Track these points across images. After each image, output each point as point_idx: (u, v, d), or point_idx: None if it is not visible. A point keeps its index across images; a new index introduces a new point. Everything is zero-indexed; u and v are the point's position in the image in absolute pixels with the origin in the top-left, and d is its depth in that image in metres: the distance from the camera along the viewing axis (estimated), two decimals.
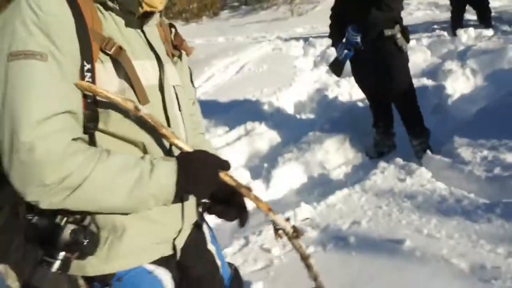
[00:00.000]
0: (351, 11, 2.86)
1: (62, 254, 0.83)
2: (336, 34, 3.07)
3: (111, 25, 0.90)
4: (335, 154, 3.39)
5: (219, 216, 1.13)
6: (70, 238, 0.83)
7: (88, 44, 0.83)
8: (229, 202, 1.10)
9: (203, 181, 0.89)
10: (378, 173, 2.68)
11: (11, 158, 0.77)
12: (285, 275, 1.95)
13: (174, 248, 1.02)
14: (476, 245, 1.80)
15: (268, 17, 12.66)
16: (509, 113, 3.02)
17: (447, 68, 4.21)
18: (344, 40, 2.95)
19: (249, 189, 1.01)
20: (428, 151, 2.84)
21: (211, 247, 1.19)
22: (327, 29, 3.28)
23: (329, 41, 3.21)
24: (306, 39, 7.42)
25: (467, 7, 5.66)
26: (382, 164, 2.80)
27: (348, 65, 3.15)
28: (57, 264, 0.82)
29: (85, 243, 0.85)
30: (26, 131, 0.75)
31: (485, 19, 5.57)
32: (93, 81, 0.84)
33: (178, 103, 1.04)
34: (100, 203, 0.83)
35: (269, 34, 9.19)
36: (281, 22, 11.23)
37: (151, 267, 0.98)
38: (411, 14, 7.81)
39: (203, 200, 1.13)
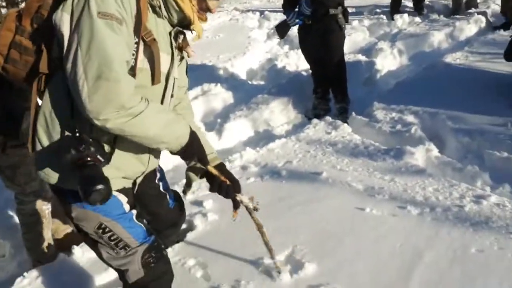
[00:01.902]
0: None
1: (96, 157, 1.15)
2: (289, 4, 3.57)
3: (152, 22, 1.22)
4: (279, 114, 3.95)
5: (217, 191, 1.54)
6: (98, 146, 1.18)
7: (139, 26, 1.15)
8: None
9: (195, 152, 1.33)
10: (311, 127, 3.27)
11: (98, 84, 1.04)
12: None
13: (134, 183, 1.41)
14: (371, 175, 2.45)
15: None
16: (420, 84, 3.73)
17: (379, 47, 4.86)
18: (296, 10, 3.46)
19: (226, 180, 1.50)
20: (353, 113, 3.48)
21: (158, 183, 1.67)
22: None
23: (283, 16, 3.68)
24: (262, 12, 7.81)
25: None
26: (315, 121, 3.39)
27: (296, 38, 3.68)
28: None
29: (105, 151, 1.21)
30: (117, 67, 1.05)
31: (419, 7, 6.30)
32: (136, 51, 1.14)
33: (173, 91, 1.37)
34: (144, 129, 1.15)
35: (227, 5, 9.42)
36: None
37: (115, 192, 1.29)
38: None
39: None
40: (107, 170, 1.19)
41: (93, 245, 1.35)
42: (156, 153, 1.45)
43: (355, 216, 2.07)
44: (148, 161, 1.40)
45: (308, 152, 2.90)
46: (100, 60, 1.05)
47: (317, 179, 2.49)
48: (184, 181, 1.70)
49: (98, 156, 1.16)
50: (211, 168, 1.48)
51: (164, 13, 1.25)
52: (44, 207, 2.14)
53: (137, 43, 1.14)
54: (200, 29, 1.33)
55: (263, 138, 3.63)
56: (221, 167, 1.56)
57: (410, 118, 3.15)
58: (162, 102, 1.32)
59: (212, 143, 3.43)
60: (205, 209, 2.31)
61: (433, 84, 3.64)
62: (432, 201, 2.12)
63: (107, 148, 1.23)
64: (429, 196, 2.17)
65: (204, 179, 1.57)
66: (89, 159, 1.13)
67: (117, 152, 1.25)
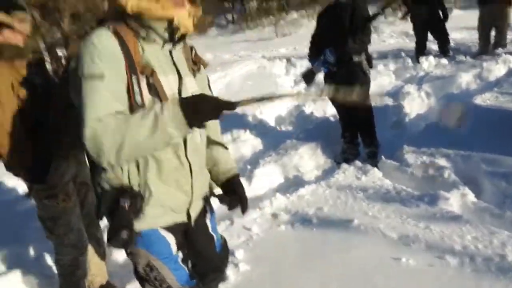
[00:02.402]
0: (329, 38, 3.49)
1: (129, 210, 1.24)
2: (314, 53, 3.70)
3: (148, 52, 1.25)
4: (308, 160, 3.97)
5: (226, 205, 1.52)
6: (134, 198, 1.25)
7: (133, 65, 1.19)
8: (233, 194, 1.54)
9: (203, 108, 1.13)
10: (340, 172, 3.27)
11: (84, 142, 1.14)
12: (261, 246, 2.50)
13: (188, 217, 1.40)
14: (405, 222, 2.40)
15: (254, 36, 13.38)
16: (449, 129, 3.68)
17: (406, 90, 4.89)
18: (321, 58, 3.58)
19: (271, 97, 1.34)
20: (383, 157, 3.46)
21: (208, 223, 1.61)
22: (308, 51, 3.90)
23: (309, 63, 3.80)
24: (288, 59, 8.07)
25: (431, 37, 6.42)
26: (345, 166, 3.39)
27: (322, 84, 3.79)
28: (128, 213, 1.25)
29: (141, 202, 1.27)
30: (88, 125, 1.13)
31: (445, 49, 6.35)
32: (139, 87, 1.19)
33: None
34: (137, 142, 1.12)
35: (255, 53, 9.80)
36: (266, 42, 11.93)
37: (164, 232, 1.34)
38: (384, 41, 8.60)
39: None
40: (151, 209, 1.28)
41: (141, 281, 1.42)
42: (199, 181, 1.42)
43: (391, 267, 2.01)
44: (191, 190, 1.38)
45: (339, 198, 2.88)
46: (82, 118, 1.16)
47: (349, 227, 2.46)
48: None
49: (135, 210, 1.25)
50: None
51: (153, 36, 1.25)
52: (81, 259, 2.20)
53: (138, 79, 1.20)
54: (182, 17, 1.24)
55: (293, 183, 3.64)
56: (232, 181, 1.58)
57: (442, 161, 3.10)
58: None
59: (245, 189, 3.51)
60: (237, 259, 2.32)
61: (464, 126, 3.60)
62: (472, 250, 2.05)
63: (142, 185, 1.28)
64: (468, 244, 2.10)
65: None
66: (123, 212, 1.23)
67: (155, 188, 1.29)
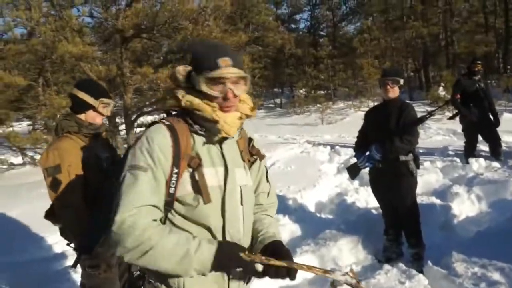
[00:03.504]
0: (376, 136, 3.54)
1: None
2: (360, 148, 3.73)
3: (199, 144, 1.33)
4: (348, 253, 3.80)
5: (273, 277, 1.30)
6: None
7: (178, 160, 1.28)
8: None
9: (231, 261, 1.21)
10: (382, 273, 3.09)
11: (111, 228, 1.20)
12: None
13: None
14: None
15: (300, 121, 13.80)
16: (505, 237, 3.44)
17: (455, 191, 4.71)
18: (367, 154, 3.59)
19: (298, 264, 1.27)
20: (429, 262, 3.25)
21: None
22: (352, 140, 3.94)
23: (353, 152, 3.85)
24: (332, 146, 8.16)
25: (481, 139, 6.31)
26: (387, 266, 3.21)
27: (366, 174, 3.76)
28: None
29: None
30: (122, 212, 1.19)
31: (496, 152, 6.17)
32: (176, 181, 1.26)
33: (242, 199, 1.38)
34: (159, 265, 1.19)
35: (300, 137, 10.03)
36: (312, 128, 12.24)
37: None
38: (431, 137, 8.56)
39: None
40: None
41: None
42: (235, 276, 1.37)
43: None
44: (228, 284, 1.36)
45: None
46: (115, 205, 1.22)
47: None
48: None
49: None
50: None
51: (204, 131, 1.33)
52: None
53: (177, 174, 1.26)
54: (226, 122, 1.30)
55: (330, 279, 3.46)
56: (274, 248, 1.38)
57: (495, 275, 2.85)
58: (223, 215, 1.33)
59: (276, 282, 3.38)
60: None
61: None
62: None
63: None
64: None
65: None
66: None
67: (188, 280, 1.27)
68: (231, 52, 1.33)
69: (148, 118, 8.30)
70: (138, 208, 1.20)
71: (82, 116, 2.26)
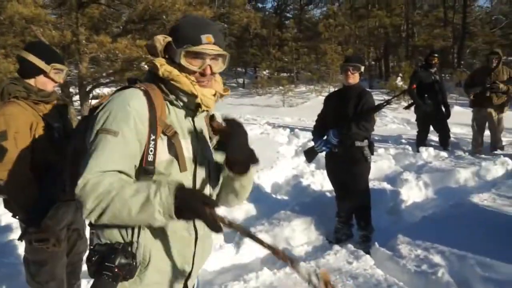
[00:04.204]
0: (334, 121, 3.59)
1: (115, 270, 1.16)
2: (318, 132, 3.77)
3: (173, 115, 1.32)
4: (301, 234, 3.88)
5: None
6: (124, 259, 1.18)
7: (155, 126, 1.25)
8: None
9: (191, 206, 1.12)
10: (332, 254, 3.18)
11: (74, 191, 1.15)
12: None
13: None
14: None
15: (262, 102, 13.81)
16: (447, 222, 3.65)
17: (405, 177, 4.92)
18: (324, 138, 3.63)
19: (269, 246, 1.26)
20: (376, 243, 3.38)
21: None
22: (312, 124, 3.97)
23: (311, 135, 3.90)
24: (292, 129, 8.24)
25: (432, 129, 6.61)
26: (336, 247, 3.30)
27: (323, 158, 3.83)
28: (112, 277, 1.16)
29: (133, 265, 1.20)
30: (85, 175, 1.14)
31: (445, 142, 6.50)
32: (154, 148, 1.23)
33: (209, 173, 1.39)
34: (122, 218, 1.13)
35: (260, 118, 10.04)
36: (273, 109, 12.28)
37: None
38: (386, 125, 8.85)
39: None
40: (150, 276, 1.25)
41: None
42: (202, 250, 1.39)
43: None
44: (192, 259, 1.36)
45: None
46: (82, 168, 1.17)
47: None
48: None
49: (122, 271, 1.18)
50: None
51: (180, 103, 1.33)
52: None
53: (155, 140, 1.23)
54: (205, 95, 1.31)
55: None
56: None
57: (436, 258, 3.02)
58: (194, 184, 1.33)
59: (229, 256, 3.38)
60: None
61: (460, 224, 3.56)
62: None
63: (140, 247, 1.24)
64: None
65: None
66: (108, 273, 1.16)
67: (156, 253, 1.26)
68: (215, 31, 1.33)
69: (105, 90, 7.94)
70: (103, 173, 1.15)
71: (31, 81, 2.09)
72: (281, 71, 17.41)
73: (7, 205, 2.11)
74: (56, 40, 6.89)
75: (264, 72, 17.31)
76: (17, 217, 2.08)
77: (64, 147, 2.01)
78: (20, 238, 2.04)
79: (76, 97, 7.93)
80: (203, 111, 1.36)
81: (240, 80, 19.09)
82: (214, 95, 1.37)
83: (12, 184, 1.94)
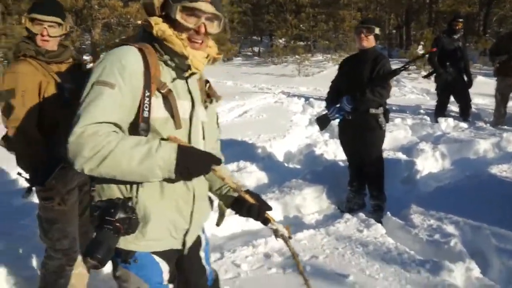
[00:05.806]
0: (348, 87, 3.46)
1: (116, 224, 1.17)
2: (331, 99, 3.65)
3: (167, 75, 1.32)
4: (311, 202, 3.86)
5: (244, 215, 1.49)
6: (124, 213, 1.20)
7: (149, 83, 1.24)
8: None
9: (196, 164, 1.17)
10: (342, 222, 3.14)
11: (68, 139, 1.13)
12: (248, 286, 2.37)
13: (183, 244, 1.39)
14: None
15: (277, 71, 13.57)
16: (463, 193, 3.55)
17: (421, 147, 4.79)
18: (337, 105, 3.52)
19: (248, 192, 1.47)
20: (388, 213, 3.33)
21: (202, 254, 1.58)
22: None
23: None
24: (307, 98, 8.10)
25: (452, 99, 6.38)
26: (347, 216, 3.26)
27: (337, 127, 3.73)
28: (113, 230, 1.17)
29: (133, 219, 1.21)
30: (82, 124, 1.13)
31: (465, 113, 6.28)
32: (149, 104, 1.23)
33: (203, 134, 1.41)
34: (121, 169, 1.12)
35: (275, 87, 9.89)
36: (288, 79, 12.07)
37: (158, 259, 1.34)
38: (405, 95, 8.60)
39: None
40: (151, 231, 1.27)
41: None
42: (199, 209, 1.41)
43: None
44: (190, 217, 1.38)
45: (337, 249, 2.74)
46: (76, 117, 1.16)
47: (343, 283, 2.32)
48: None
49: (123, 224, 1.19)
50: (242, 194, 1.45)
51: (172, 63, 1.32)
52: (68, 268, 2.17)
53: (149, 97, 1.23)
54: (195, 57, 1.31)
55: (291, 225, 3.51)
56: (248, 191, 1.51)
57: (450, 228, 2.95)
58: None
59: (240, 222, 3.39)
60: None
61: (477, 195, 3.46)
62: None
63: (141, 203, 1.25)
64: None
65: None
66: (109, 226, 1.17)
67: (156, 209, 1.27)
68: None
69: None
70: (100, 123, 1.15)
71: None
72: (297, 40, 16.99)
73: (19, 163, 2.11)
74: (68, 5, 6.81)
75: (280, 41, 16.93)
76: (22, 175, 2.08)
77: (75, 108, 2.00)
78: (24, 195, 2.06)
79: (90, 65, 7.93)
80: (193, 73, 1.34)
81: (256, 49, 18.75)
82: (207, 57, 1.38)
83: (19, 141, 1.96)
